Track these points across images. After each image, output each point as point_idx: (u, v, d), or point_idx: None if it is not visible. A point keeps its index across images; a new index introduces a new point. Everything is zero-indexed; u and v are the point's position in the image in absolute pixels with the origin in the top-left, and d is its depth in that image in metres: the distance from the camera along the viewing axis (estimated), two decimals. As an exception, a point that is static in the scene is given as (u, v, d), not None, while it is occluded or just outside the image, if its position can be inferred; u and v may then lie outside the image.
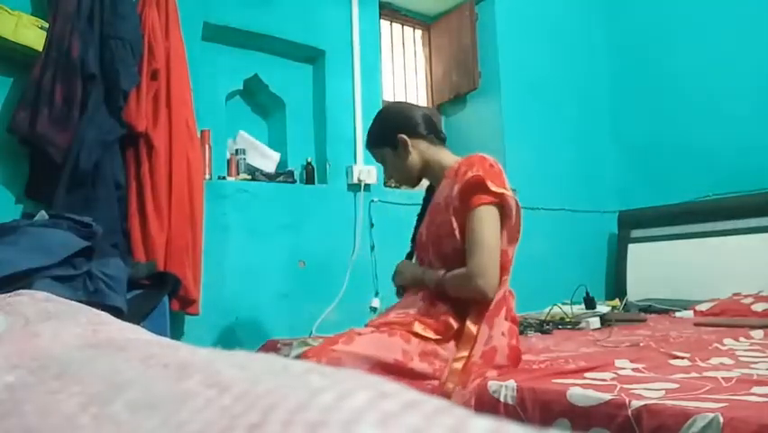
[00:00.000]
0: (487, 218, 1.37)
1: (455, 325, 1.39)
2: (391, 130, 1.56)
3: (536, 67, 3.55)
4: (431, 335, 1.38)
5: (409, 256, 1.69)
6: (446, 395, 1.27)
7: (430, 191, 1.66)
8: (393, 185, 1.79)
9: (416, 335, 1.36)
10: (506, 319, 1.40)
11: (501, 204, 1.39)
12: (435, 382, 1.31)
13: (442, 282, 1.43)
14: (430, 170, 1.57)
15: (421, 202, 1.71)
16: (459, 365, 1.32)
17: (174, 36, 2.12)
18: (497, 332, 1.36)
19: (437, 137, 1.58)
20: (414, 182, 1.62)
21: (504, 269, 1.42)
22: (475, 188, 1.37)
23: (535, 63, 3.55)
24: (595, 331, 2.25)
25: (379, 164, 1.67)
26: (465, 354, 1.34)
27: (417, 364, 1.31)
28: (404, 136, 1.53)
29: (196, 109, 2.16)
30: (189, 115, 2.11)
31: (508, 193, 1.39)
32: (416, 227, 1.67)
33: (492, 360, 1.34)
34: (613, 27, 4.00)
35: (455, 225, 1.42)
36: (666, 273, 3.22)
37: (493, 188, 1.36)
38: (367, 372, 1.14)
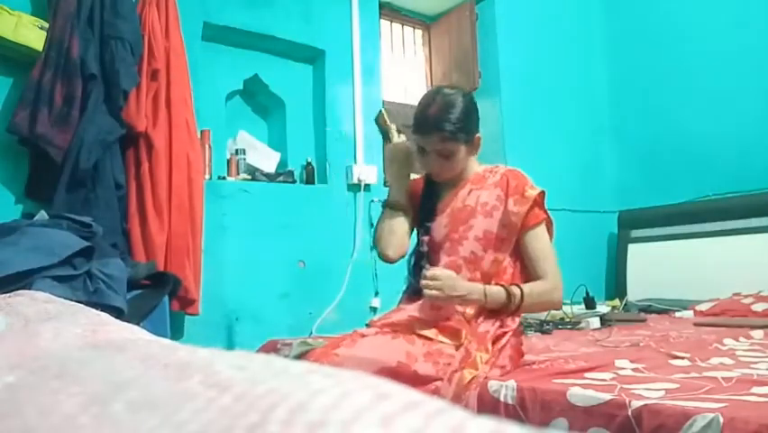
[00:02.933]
0: (546, 234, 1.47)
1: (463, 334, 1.37)
2: (476, 125, 1.47)
3: (536, 67, 3.55)
4: (433, 334, 1.37)
5: (419, 255, 1.55)
6: (459, 383, 1.27)
7: (429, 187, 1.57)
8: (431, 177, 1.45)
9: (420, 336, 1.36)
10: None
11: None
12: (439, 384, 1.30)
13: (519, 300, 1.37)
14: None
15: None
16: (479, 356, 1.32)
17: (174, 36, 2.12)
18: (512, 330, 1.41)
19: None
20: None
21: None
22: (538, 204, 1.45)
23: (535, 63, 3.55)
24: (595, 331, 2.25)
25: (428, 152, 1.44)
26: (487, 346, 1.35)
27: (421, 366, 1.31)
28: (480, 136, 1.48)
29: (196, 109, 2.16)
30: (189, 115, 2.11)
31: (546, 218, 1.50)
32: (421, 222, 1.55)
33: (506, 354, 1.37)
34: (613, 27, 3.99)
35: (492, 232, 1.44)
36: (666, 273, 3.21)
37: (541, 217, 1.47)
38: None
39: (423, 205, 1.55)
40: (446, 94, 1.42)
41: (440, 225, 1.50)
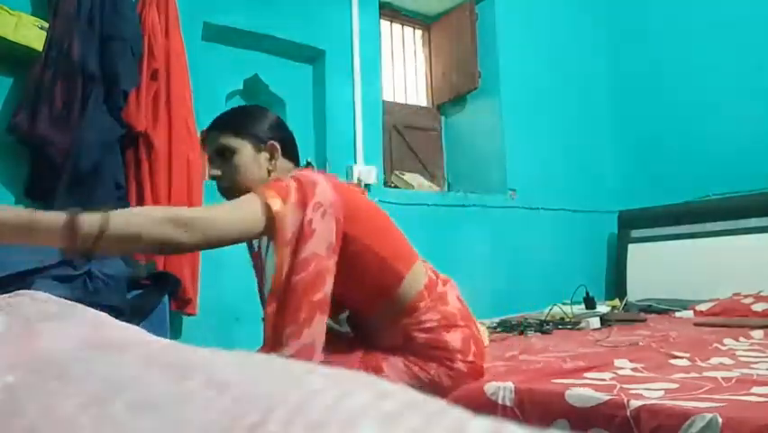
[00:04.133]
0: (243, 201, 1.12)
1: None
2: (268, 128, 1.32)
3: (536, 67, 3.55)
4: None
5: None
6: None
7: None
8: (214, 180, 1.26)
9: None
10: (454, 329, 1.26)
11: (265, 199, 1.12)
12: None
13: (96, 228, 0.90)
14: None
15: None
16: None
17: (174, 36, 2.12)
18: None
19: (297, 164, 1.40)
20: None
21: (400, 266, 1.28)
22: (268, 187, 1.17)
23: (535, 63, 3.55)
24: (595, 331, 2.25)
25: (223, 154, 1.28)
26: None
27: None
28: (276, 144, 1.32)
29: (195, 109, 2.16)
30: (189, 115, 2.11)
31: (279, 197, 1.12)
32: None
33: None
34: (613, 27, 4.00)
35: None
36: (666, 273, 3.21)
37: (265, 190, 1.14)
38: None
39: None
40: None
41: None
